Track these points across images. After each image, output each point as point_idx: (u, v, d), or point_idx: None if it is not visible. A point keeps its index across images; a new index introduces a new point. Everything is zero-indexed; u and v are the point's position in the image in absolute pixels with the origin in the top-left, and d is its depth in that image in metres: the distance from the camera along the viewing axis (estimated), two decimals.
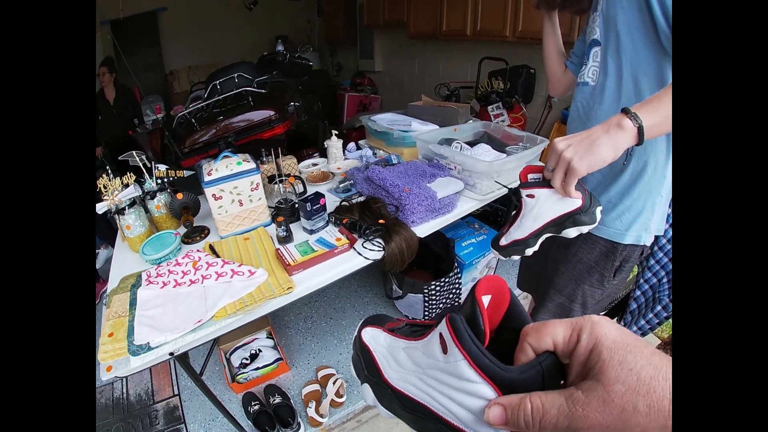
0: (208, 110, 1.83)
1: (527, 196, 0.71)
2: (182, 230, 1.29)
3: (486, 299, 0.28)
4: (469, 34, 2.60)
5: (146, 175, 1.30)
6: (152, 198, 1.27)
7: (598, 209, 0.68)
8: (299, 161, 1.72)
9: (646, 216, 0.88)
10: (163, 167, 1.31)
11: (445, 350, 0.26)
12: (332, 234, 1.07)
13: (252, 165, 1.15)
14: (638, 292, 1.27)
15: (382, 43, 3.95)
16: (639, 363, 0.20)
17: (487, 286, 0.27)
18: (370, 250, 1.04)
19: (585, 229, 0.68)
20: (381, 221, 1.13)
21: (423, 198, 1.18)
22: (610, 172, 0.89)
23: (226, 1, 3.97)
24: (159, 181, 1.29)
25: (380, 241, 1.08)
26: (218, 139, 1.73)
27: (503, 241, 0.79)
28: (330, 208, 1.24)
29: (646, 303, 1.27)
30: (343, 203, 1.25)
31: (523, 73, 2.42)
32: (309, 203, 1.08)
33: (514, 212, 0.78)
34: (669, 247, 1.14)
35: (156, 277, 0.97)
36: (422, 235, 1.19)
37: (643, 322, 1.26)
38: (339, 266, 0.99)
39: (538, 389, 0.23)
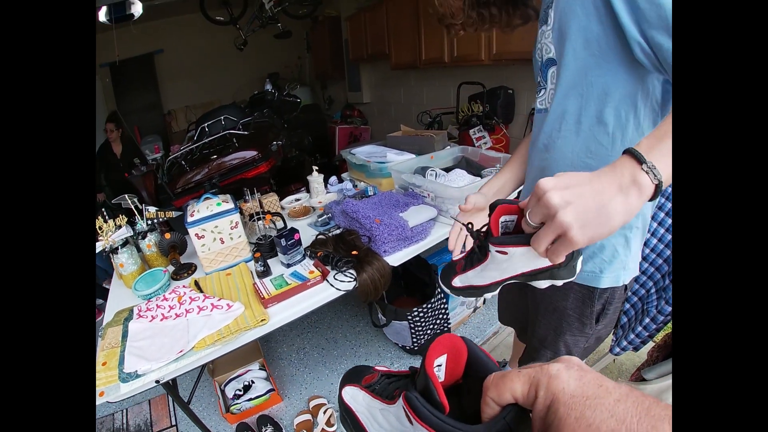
0: (198, 152, 1.94)
1: (498, 252, 0.54)
2: (171, 267, 1.36)
3: (442, 359, 0.29)
4: (447, 61, 2.72)
5: (137, 217, 1.39)
6: (143, 238, 1.35)
7: (579, 260, 0.55)
8: (286, 196, 1.80)
9: (622, 253, 0.74)
10: (152, 209, 1.40)
11: (410, 422, 0.27)
12: (306, 267, 1.13)
13: (231, 205, 1.23)
14: (627, 305, 1.27)
15: (368, 75, 4.13)
16: (599, 417, 0.19)
17: (440, 348, 0.28)
18: (341, 281, 1.10)
19: (560, 283, 0.57)
20: (354, 252, 1.19)
21: (394, 228, 1.24)
22: None
23: (218, 42, 4.20)
24: (150, 221, 1.38)
25: (353, 272, 1.14)
26: (207, 179, 1.83)
27: (458, 282, 0.68)
28: (309, 242, 1.31)
29: (636, 315, 1.26)
30: (320, 236, 1.32)
31: (501, 95, 2.52)
32: (284, 239, 1.15)
33: (475, 257, 0.63)
34: (653, 256, 1.15)
35: (146, 311, 1.04)
36: (395, 264, 1.24)
37: (632, 336, 1.24)
38: (312, 298, 1.05)
39: None
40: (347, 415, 0.38)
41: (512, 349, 1.57)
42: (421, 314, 1.61)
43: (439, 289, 1.68)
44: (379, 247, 1.22)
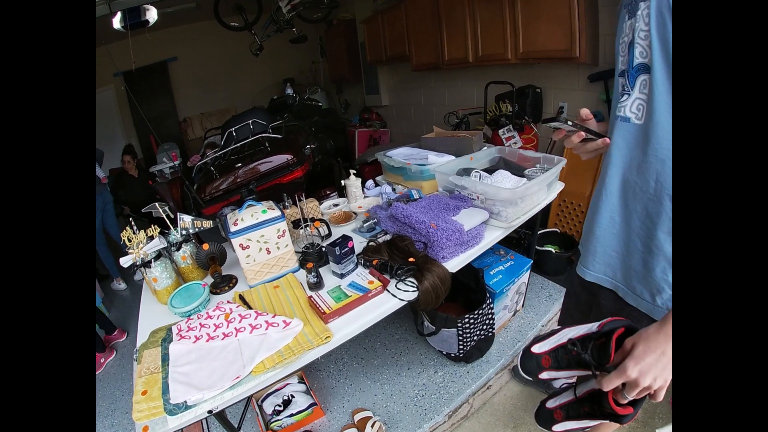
0: (226, 158, 1.88)
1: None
2: (209, 279, 1.28)
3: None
4: (472, 60, 2.66)
5: (171, 227, 1.31)
6: (177, 249, 1.28)
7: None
8: (319, 202, 1.73)
9: None
10: (188, 218, 1.32)
11: None
12: (363, 277, 1.05)
13: (277, 212, 1.15)
14: None
15: (386, 77, 4.07)
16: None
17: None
18: (404, 290, 1.01)
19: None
20: (411, 259, 1.10)
21: (451, 232, 1.16)
22: None
23: (231, 49, 4.17)
24: (183, 231, 1.30)
25: (413, 280, 1.05)
26: (238, 186, 1.76)
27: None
28: (357, 248, 1.23)
29: None
30: (371, 243, 1.23)
31: (529, 94, 2.44)
32: (338, 247, 1.07)
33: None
34: None
35: (187, 330, 0.95)
36: (454, 270, 1.16)
37: None
38: (375, 310, 0.97)
39: None
40: None
41: None
42: (472, 321, 1.52)
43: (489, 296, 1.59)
44: (437, 253, 1.14)
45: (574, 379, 0.70)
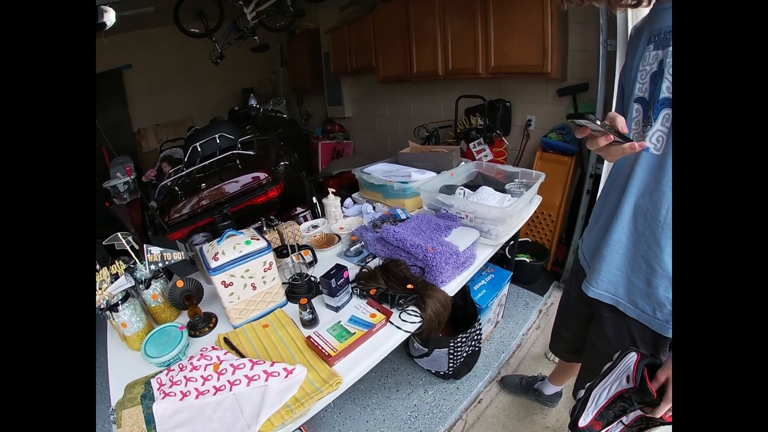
0: (191, 176, 1.72)
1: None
2: (183, 318, 1.15)
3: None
4: (441, 73, 2.69)
5: (137, 261, 1.16)
6: (147, 287, 1.13)
7: None
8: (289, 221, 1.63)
9: None
10: (156, 250, 1.17)
11: None
12: (363, 310, 0.99)
13: (262, 243, 1.05)
14: None
15: (350, 88, 4.02)
16: None
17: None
18: (409, 321, 0.97)
19: None
20: (409, 286, 1.06)
21: (449, 255, 1.13)
22: None
23: (190, 56, 3.93)
24: (152, 266, 1.16)
25: (415, 309, 1.01)
26: (205, 209, 1.61)
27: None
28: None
29: None
30: (363, 270, 1.17)
31: (500, 108, 2.51)
32: (333, 279, 1.00)
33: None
34: None
35: (171, 386, 0.83)
36: (452, 293, 1.13)
37: None
38: (381, 346, 0.91)
39: None
40: None
41: (556, 366, 1.56)
42: (463, 339, 1.50)
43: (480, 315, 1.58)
44: (436, 277, 1.10)
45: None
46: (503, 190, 1.60)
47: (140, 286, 1.11)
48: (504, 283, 1.87)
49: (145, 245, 1.17)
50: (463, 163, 1.90)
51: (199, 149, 1.81)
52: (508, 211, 1.30)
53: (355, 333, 0.90)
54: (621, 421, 0.75)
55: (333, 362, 0.84)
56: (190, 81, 4.20)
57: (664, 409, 0.68)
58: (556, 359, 1.74)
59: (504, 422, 1.55)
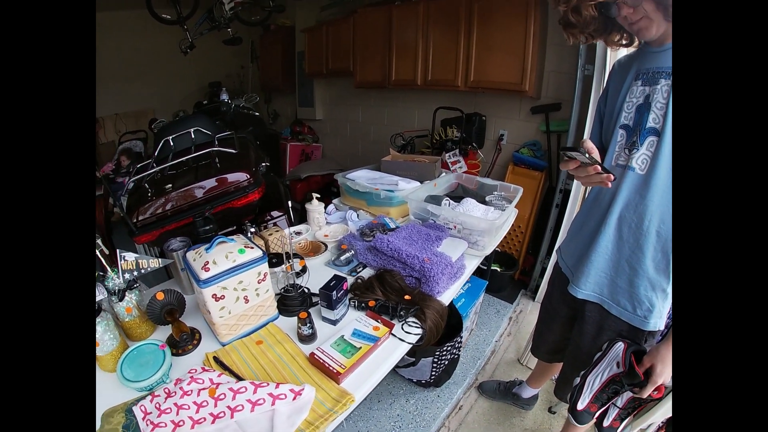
0: (164, 172, 1.58)
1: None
2: (160, 333, 1.06)
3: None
4: (420, 83, 2.73)
5: (107, 268, 1.05)
6: (120, 299, 1.02)
7: None
8: (265, 225, 1.56)
9: (660, 306, 0.92)
10: (131, 256, 1.06)
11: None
12: (365, 323, 0.97)
13: (257, 252, 0.99)
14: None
15: (322, 90, 3.95)
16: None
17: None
18: (412, 333, 0.96)
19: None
20: (407, 297, 1.05)
21: (444, 266, 1.14)
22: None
23: (157, 44, 3.66)
24: (127, 275, 1.05)
25: (415, 320, 1.00)
26: (178, 211, 1.49)
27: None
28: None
29: None
30: (358, 281, 1.15)
31: (476, 121, 2.59)
32: (334, 291, 0.97)
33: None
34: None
35: (159, 415, 0.75)
36: (447, 303, 1.14)
37: None
38: (386, 359, 0.89)
39: None
40: None
41: (535, 369, 1.61)
42: (449, 348, 1.53)
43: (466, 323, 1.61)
44: (433, 287, 1.11)
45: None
46: (484, 202, 1.65)
47: (113, 297, 1.01)
48: (480, 292, 1.93)
49: (118, 251, 1.06)
50: (444, 174, 1.93)
51: (172, 144, 1.67)
52: (497, 222, 1.34)
53: (361, 348, 0.88)
54: (615, 404, 0.88)
55: (341, 380, 0.81)
56: (154, 70, 3.91)
57: (650, 389, 0.83)
58: (530, 365, 1.82)
59: (485, 427, 1.59)
